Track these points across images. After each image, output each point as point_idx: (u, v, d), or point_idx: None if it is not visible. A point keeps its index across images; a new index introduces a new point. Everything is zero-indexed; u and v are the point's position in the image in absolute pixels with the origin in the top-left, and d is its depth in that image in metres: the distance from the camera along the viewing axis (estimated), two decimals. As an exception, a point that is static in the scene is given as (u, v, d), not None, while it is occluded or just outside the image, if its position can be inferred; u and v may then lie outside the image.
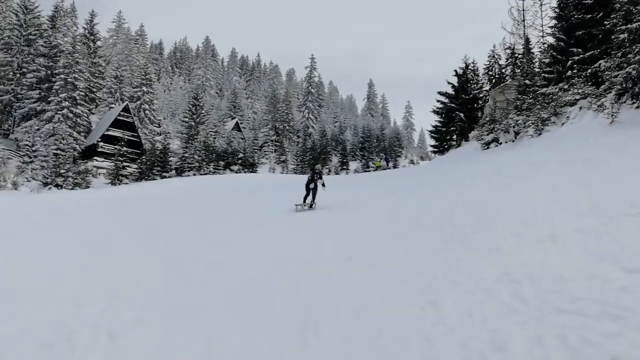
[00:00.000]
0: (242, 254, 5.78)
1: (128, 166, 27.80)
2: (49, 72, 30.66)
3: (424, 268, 3.79)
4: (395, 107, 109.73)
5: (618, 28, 9.23)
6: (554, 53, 13.22)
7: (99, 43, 39.55)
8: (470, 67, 22.41)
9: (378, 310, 3.16)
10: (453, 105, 21.74)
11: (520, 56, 20.14)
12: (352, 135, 47.65)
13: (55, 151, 26.68)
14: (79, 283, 4.94)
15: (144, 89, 35.25)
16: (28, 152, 26.39)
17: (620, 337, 2.05)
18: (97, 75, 35.27)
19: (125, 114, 31.32)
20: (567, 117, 10.65)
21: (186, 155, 30.73)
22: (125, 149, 28.27)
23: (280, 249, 5.74)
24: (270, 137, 45.96)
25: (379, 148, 42.93)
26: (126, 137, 29.89)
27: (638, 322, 2.12)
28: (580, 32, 12.11)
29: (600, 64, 10.44)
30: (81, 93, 30.25)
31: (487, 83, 23.15)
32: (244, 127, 47.56)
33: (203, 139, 33.82)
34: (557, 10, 13.98)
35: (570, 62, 12.16)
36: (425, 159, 39.87)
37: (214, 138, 37.32)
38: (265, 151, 44.55)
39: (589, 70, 11.14)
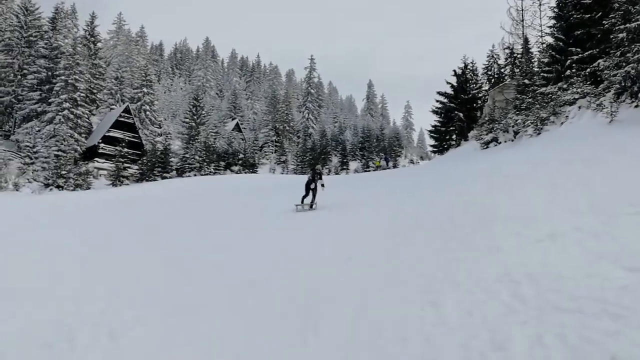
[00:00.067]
0: (243, 254, 5.79)
1: (129, 167, 27.83)
2: (49, 73, 30.71)
3: (424, 268, 3.80)
4: (394, 107, 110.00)
5: (617, 27, 9.23)
6: (553, 52, 13.23)
7: (99, 44, 39.60)
8: (469, 67, 22.42)
9: (378, 310, 3.17)
10: (452, 105, 21.75)
11: (519, 56, 20.16)
12: (352, 135, 47.67)
13: (56, 152, 26.71)
14: (79, 282, 4.96)
15: (145, 90, 35.29)
16: (29, 154, 26.43)
17: (620, 336, 2.05)
18: (97, 76, 35.33)
19: (126, 115, 31.36)
20: (566, 116, 10.66)
21: (187, 155, 30.75)
22: (126, 150, 28.27)
23: (280, 249, 5.76)
24: (271, 138, 45.99)
25: (378, 148, 42.93)
26: (127, 138, 29.91)
27: (638, 321, 2.13)
28: (579, 32, 12.11)
29: (599, 63, 10.45)
30: (82, 94, 30.29)
31: (486, 83, 23.15)
32: (244, 128, 47.59)
33: (203, 139, 33.85)
34: (555, 10, 13.99)
35: (569, 61, 12.17)
36: (425, 159, 39.86)
37: (215, 139, 37.37)
38: (265, 152, 44.59)
39: (588, 70, 11.15)
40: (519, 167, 7.47)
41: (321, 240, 5.84)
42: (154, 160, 28.39)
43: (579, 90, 10.73)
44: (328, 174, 34.03)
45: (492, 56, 23.64)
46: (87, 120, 31.13)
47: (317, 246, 5.57)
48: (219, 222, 8.80)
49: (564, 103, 11.04)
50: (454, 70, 22.24)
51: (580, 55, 11.88)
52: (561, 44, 12.87)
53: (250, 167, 34.05)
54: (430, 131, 23.17)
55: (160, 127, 36.31)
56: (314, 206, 9.08)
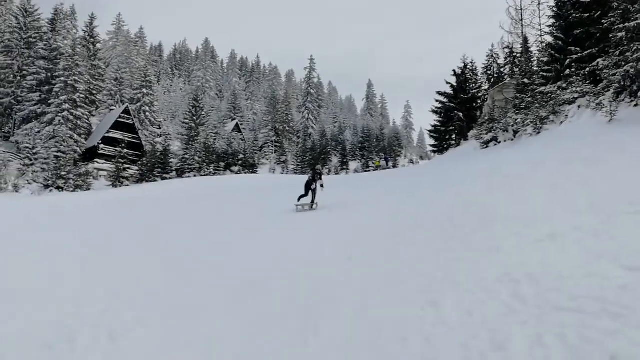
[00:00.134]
0: (243, 254, 5.79)
1: (129, 168, 27.83)
2: (49, 74, 30.72)
3: (424, 268, 3.80)
4: (394, 107, 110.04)
5: (616, 26, 9.24)
6: (552, 52, 13.23)
7: (98, 45, 39.63)
8: (468, 67, 22.42)
9: (378, 310, 3.17)
10: (452, 104, 21.75)
11: (518, 55, 20.17)
12: (352, 135, 47.67)
13: (56, 153, 26.72)
14: (79, 283, 4.96)
15: (144, 91, 35.30)
16: (29, 155, 26.43)
17: (620, 335, 2.05)
18: (97, 77, 35.35)
19: (126, 116, 31.37)
20: (566, 115, 10.66)
21: (187, 156, 30.75)
22: (125, 150, 28.28)
23: (280, 249, 5.76)
24: (270, 138, 46.00)
25: (378, 148, 42.94)
26: (127, 139, 29.92)
27: (637, 320, 2.12)
28: (578, 31, 12.12)
29: (598, 63, 10.45)
30: (81, 95, 30.31)
31: (485, 82, 23.14)
32: (244, 128, 47.60)
33: (203, 140, 33.85)
34: (554, 9, 13.99)
35: (568, 60, 12.17)
36: (425, 159, 39.87)
37: (214, 139, 37.37)
38: (265, 152, 44.60)
39: (587, 69, 11.15)
40: (518, 166, 7.47)
41: (321, 241, 5.84)
42: (153, 161, 28.40)
43: (578, 89, 10.72)
44: (328, 174, 34.03)
45: (492, 56, 23.64)
46: (86, 121, 31.14)
47: (317, 246, 5.57)
48: (219, 223, 8.80)
49: (564, 102, 11.04)
50: (454, 70, 22.25)
51: (579, 54, 11.88)
52: (560, 43, 12.87)
53: (250, 167, 34.05)
54: (430, 131, 23.17)
55: (160, 128, 36.32)
56: (314, 206, 9.08)
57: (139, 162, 28.47)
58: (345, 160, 40.63)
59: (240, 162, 34.03)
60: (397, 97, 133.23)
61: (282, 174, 35.48)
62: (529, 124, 11.77)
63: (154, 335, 3.40)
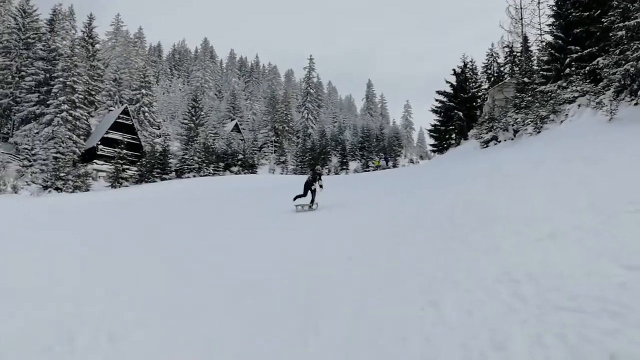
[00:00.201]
0: (243, 254, 5.78)
1: (128, 169, 27.81)
2: (47, 75, 30.69)
3: (424, 268, 3.79)
4: (394, 107, 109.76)
5: (616, 25, 9.23)
6: (552, 51, 13.23)
7: (97, 46, 39.59)
8: (468, 66, 22.40)
9: (378, 310, 3.16)
10: (452, 104, 21.74)
11: (518, 54, 20.17)
12: (352, 135, 47.67)
13: (54, 154, 26.70)
14: (79, 282, 4.96)
15: (143, 91, 35.27)
16: (27, 156, 26.40)
17: (619, 334, 2.05)
18: (96, 78, 35.31)
19: (125, 116, 31.34)
20: (566, 114, 10.65)
21: (186, 157, 30.73)
22: (125, 151, 28.27)
23: (280, 249, 5.75)
24: (270, 138, 45.99)
25: (378, 148, 42.93)
26: (126, 139, 29.90)
27: (637, 319, 2.12)
28: (578, 30, 12.11)
29: (598, 62, 10.45)
30: (80, 96, 30.28)
31: (485, 81, 23.14)
32: (243, 129, 47.59)
33: (203, 140, 33.83)
34: (554, 8, 13.98)
35: (568, 59, 12.16)
36: (425, 158, 39.88)
37: (214, 139, 37.35)
38: (264, 152, 44.59)
39: (587, 68, 11.13)
40: (518, 166, 7.46)
41: (321, 241, 5.83)
42: (153, 161, 28.38)
43: (578, 88, 10.72)
44: (328, 174, 34.03)
45: (492, 55, 23.64)
46: (85, 122, 31.12)
47: (317, 246, 5.57)
48: (219, 223, 8.79)
49: (564, 101, 11.04)
50: (454, 70, 22.23)
51: (579, 53, 11.87)
52: (560, 42, 12.87)
53: (250, 167, 34.04)
54: (430, 130, 23.16)
55: (159, 129, 36.30)
56: (313, 206, 9.07)
57: (138, 163, 28.45)
58: (345, 160, 40.63)
59: (239, 162, 34.02)
60: (397, 96, 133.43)
61: (282, 174, 35.48)
62: (529, 123, 11.76)
63: (154, 335, 3.39)
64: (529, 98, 13.14)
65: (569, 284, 2.69)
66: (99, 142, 30.03)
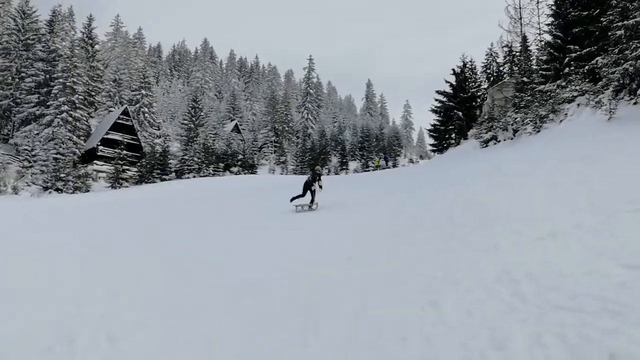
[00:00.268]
0: (243, 254, 5.79)
1: (128, 169, 27.82)
2: (47, 76, 30.70)
3: (424, 268, 3.80)
4: (394, 107, 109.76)
5: (614, 25, 9.24)
6: (551, 50, 13.23)
7: (97, 47, 39.60)
8: (468, 66, 22.41)
9: (378, 310, 3.17)
10: (451, 104, 21.74)
11: (517, 54, 20.17)
12: (351, 135, 47.68)
13: (55, 155, 26.70)
14: (79, 283, 4.95)
15: (143, 92, 35.28)
16: (28, 157, 26.39)
17: (619, 334, 2.05)
18: (95, 79, 35.32)
19: (125, 117, 31.35)
20: (565, 114, 10.65)
21: (186, 157, 30.73)
22: (125, 152, 28.29)
23: (280, 249, 5.75)
24: (270, 138, 45.99)
25: (378, 147, 42.94)
26: (126, 140, 29.91)
27: (636, 318, 2.13)
28: (577, 29, 12.11)
29: (597, 61, 10.45)
30: (80, 97, 30.28)
31: (485, 81, 23.14)
32: (243, 129, 47.59)
33: (202, 141, 33.83)
34: (553, 7, 13.99)
35: (567, 59, 12.17)
36: (425, 158, 39.88)
37: (214, 140, 37.36)
38: (264, 152, 44.59)
39: (586, 67, 11.14)
40: (518, 165, 7.46)
41: (321, 241, 5.83)
42: (152, 162, 28.38)
43: (577, 87, 10.72)
44: (328, 174, 34.04)
45: (491, 54, 23.63)
46: (85, 122, 31.12)
47: (317, 246, 5.57)
48: (219, 223, 8.79)
49: (563, 101, 11.04)
50: (453, 69, 22.23)
51: (578, 52, 11.88)
52: (559, 41, 12.88)
53: (250, 168, 34.04)
54: (429, 130, 23.16)
55: (159, 129, 36.29)
56: (313, 206, 9.07)
57: (138, 164, 28.45)
58: (344, 160, 40.65)
59: (239, 162, 34.02)
60: (397, 96, 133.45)
61: (282, 174, 35.49)
62: (529, 123, 11.77)
63: (154, 335, 3.39)
64: (528, 97, 13.14)
65: (569, 283, 2.69)
66: (99, 143, 30.04)
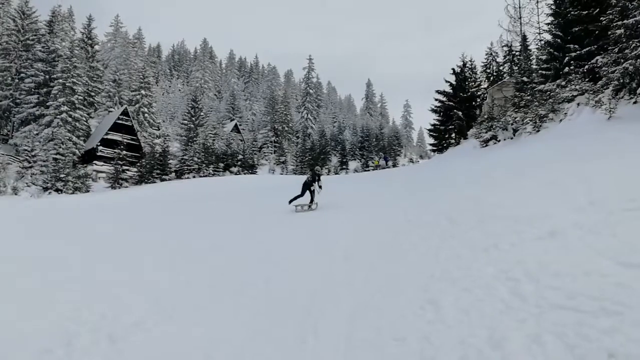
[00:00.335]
0: (243, 254, 5.79)
1: (128, 169, 27.81)
2: (47, 77, 30.68)
3: (424, 267, 3.80)
4: (394, 107, 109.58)
5: (614, 24, 9.23)
6: (551, 50, 13.22)
7: (97, 47, 39.59)
8: (467, 66, 22.39)
9: (377, 309, 3.17)
10: (451, 103, 21.72)
11: (517, 53, 20.17)
12: (351, 135, 47.70)
13: (54, 156, 26.69)
14: (79, 284, 4.94)
15: (143, 92, 35.27)
16: (27, 157, 26.38)
17: (617, 333, 2.05)
18: (95, 79, 35.31)
19: (124, 117, 31.35)
20: (565, 113, 10.64)
21: (185, 157, 30.72)
22: (124, 152, 28.27)
23: (280, 249, 5.76)
24: (270, 138, 45.99)
25: (378, 147, 42.95)
26: (125, 140, 29.90)
27: (635, 318, 2.12)
28: (576, 29, 12.10)
29: (597, 60, 10.44)
30: (80, 97, 30.28)
31: (485, 81, 23.12)
32: (243, 129, 47.59)
33: (202, 141, 33.82)
34: (553, 7, 13.98)
35: (567, 58, 12.15)
36: (425, 158, 39.89)
37: (213, 140, 37.34)
38: (264, 152, 44.60)
39: (586, 67, 11.12)
40: (518, 164, 7.46)
41: (321, 240, 5.84)
42: (152, 162, 28.36)
43: (577, 87, 10.71)
44: (328, 174, 34.06)
45: (491, 54, 23.63)
46: (85, 123, 31.11)
47: (316, 246, 5.57)
48: (219, 223, 8.79)
49: (563, 100, 11.04)
50: (453, 69, 22.21)
51: (578, 52, 11.86)
52: (559, 41, 12.86)
53: (250, 168, 34.04)
54: (429, 130, 23.14)
55: (159, 129, 36.30)
56: (313, 206, 9.07)
57: (138, 164, 28.43)
58: (344, 160, 40.68)
59: (239, 162, 34.02)
60: (397, 96, 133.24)
61: (282, 174, 35.49)
62: (529, 122, 11.76)
63: (154, 336, 3.40)
64: (528, 97, 13.13)
65: (568, 282, 2.69)
66: (99, 143, 30.04)
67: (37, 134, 28.22)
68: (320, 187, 9.14)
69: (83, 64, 33.12)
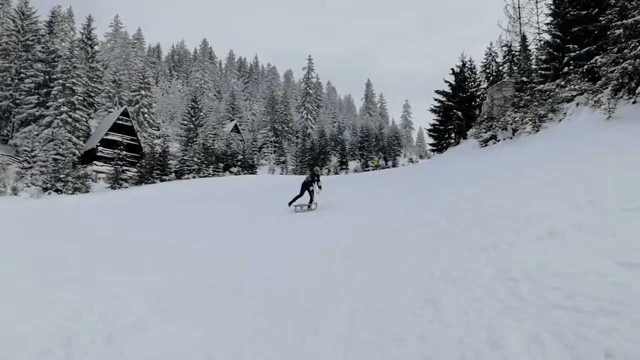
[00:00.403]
0: (243, 254, 5.80)
1: (127, 170, 27.80)
2: (47, 77, 30.67)
3: (423, 266, 3.81)
4: (393, 107, 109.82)
5: (613, 24, 9.24)
6: (550, 50, 13.23)
7: (96, 47, 39.59)
8: (467, 66, 22.40)
9: (377, 309, 3.18)
10: (451, 103, 21.73)
11: (516, 53, 20.18)
12: (351, 135, 47.72)
13: (54, 156, 26.68)
14: (79, 285, 4.95)
15: (143, 92, 35.27)
16: (27, 158, 26.37)
17: (615, 333, 2.06)
18: (95, 79, 35.30)
19: (124, 117, 31.34)
20: (564, 113, 10.65)
21: (185, 158, 30.71)
22: (124, 152, 28.27)
23: (280, 249, 5.76)
24: (269, 138, 45.99)
25: (377, 147, 42.97)
26: (125, 141, 29.90)
27: (633, 318, 2.13)
28: (576, 29, 12.11)
29: (596, 60, 10.45)
30: (79, 98, 30.26)
31: (484, 81, 23.13)
32: (242, 129, 47.59)
33: (202, 141, 33.82)
34: (552, 7, 13.99)
35: (566, 58, 12.16)
36: (425, 158, 39.90)
37: (213, 140, 37.33)
38: (264, 152, 44.59)
39: (585, 66, 11.13)
40: (517, 164, 7.47)
41: (320, 240, 5.84)
42: (152, 162, 28.35)
43: (576, 87, 10.72)
44: (327, 174, 34.07)
45: (490, 54, 23.64)
46: (85, 123, 31.10)
47: (316, 246, 5.58)
48: (219, 223, 8.80)
49: (562, 100, 11.05)
50: (452, 69, 22.22)
51: (577, 52, 11.87)
52: (558, 40, 12.87)
53: (250, 168, 34.03)
54: (429, 130, 23.14)
55: (159, 130, 36.29)
56: (312, 206, 9.08)
57: (138, 164, 28.43)
58: (344, 160, 40.69)
59: (239, 162, 34.01)
60: (397, 96, 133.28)
61: (282, 174, 35.49)
62: (528, 122, 11.77)
63: (153, 336, 3.40)
64: (528, 97, 13.14)
65: (567, 282, 2.69)
66: (99, 144, 30.03)
67: (37, 135, 28.21)
68: (320, 187, 9.14)
69: (83, 65, 33.12)
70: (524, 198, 4.96)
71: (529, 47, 19.00)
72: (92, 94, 34.27)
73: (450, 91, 22.07)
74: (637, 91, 8.50)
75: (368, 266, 4.26)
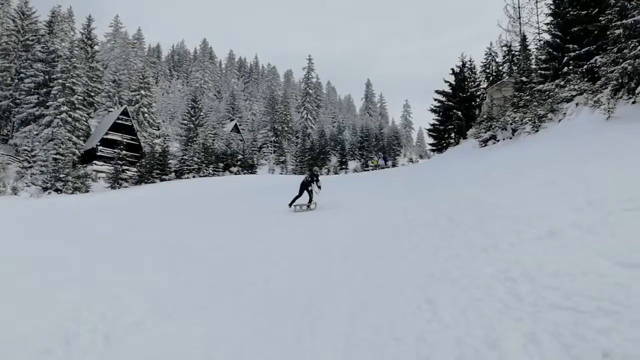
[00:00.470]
0: (242, 254, 5.80)
1: (127, 169, 27.80)
2: (47, 77, 30.67)
3: (422, 266, 3.81)
4: (393, 107, 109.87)
5: (613, 24, 9.24)
6: (550, 50, 13.23)
7: (96, 47, 39.56)
8: (467, 66, 22.40)
9: (377, 309, 3.18)
10: (450, 103, 21.73)
11: (516, 53, 20.18)
12: (351, 135, 47.72)
13: (54, 156, 26.68)
14: (79, 285, 4.95)
15: (142, 92, 35.26)
16: (27, 157, 26.36)
17: (613, 333, 2.06)
18: (95, 79, 35.28)
19: (124, 117, 31.34)
20: (564, 113, 10.66)
21: (185, 157, 30.71)
22: (124, 152, 28.26)
23: (279, 249, 5.76)
24: (269, 138, 46.00)
25: (377, 147, 42.97)
26: (125, 140, 29.89)
27: (631, 318, 2.13)
28: (575, 29, 12.11)
29: (596, 60, 10.45)
30: (79, 97, 30.26)
31: (484, 81, 23.12)
32: (242, 129, 47.59)
33: (202, 141, 33.81)
34: (552, 7, 14.00)
35: (566, 58, 12.17)
36: (424, 157, 39.91)
37: (213, 140, 37.33)
38: (264, 152, 44.60)
39: (585, 66, 11.13)
40: (517, 164, 7.48)
41: (320, 240, 5.85)
42: (152, 162, 28.35)
43: (576, 87, 10.72)
44: (327, 174, 34.07)
45: (490, 54, 23.63)
46: (85, 123, 31.09)
47: (316, 246, 5.58)
48: (218, 223, 8.80)
49: (562, 100, 11.05)
50: (452, 69, 22.23)
51: (577, 52, 11.87)
52: (558, 40, 12.88)
53: (249, 168, 34.04)
54: (429, 130, 23.14)
55: (159, 129, 36.29)
56: (312, 206, 9.08)
57: (138, 164, 28.42)
58: (344, 159, 40.70)
59: (239, 162, 34.01)
60: (396, 96, 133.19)
61: (281, 174, 35.50)
62: (528, 122, 11.77)
63: (153, 336, 3.40)
64: (527, 97, 13.14)
65: (565, 282, 2.70)
66: (99, 143, 30.03)
67: (37, 134, 28.21)
68: (319, 187, 9.14)
69: (83, 64, 33.11)
70: (524, 198, 4.96)
71: (528, 47, 19.01)
72: (92, 94, 34.27)
73: (450, 91, 22.08)
74: (636, 91, 8.50)
75: (368, 266, 4.26)
